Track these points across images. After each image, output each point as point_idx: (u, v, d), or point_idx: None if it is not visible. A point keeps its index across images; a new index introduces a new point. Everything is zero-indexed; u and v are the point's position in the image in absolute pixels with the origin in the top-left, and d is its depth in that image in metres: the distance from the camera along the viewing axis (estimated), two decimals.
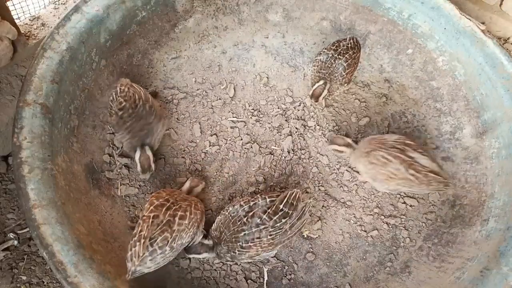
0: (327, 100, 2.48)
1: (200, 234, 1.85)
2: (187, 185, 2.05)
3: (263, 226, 1.76)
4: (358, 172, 2.25)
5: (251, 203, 1.82)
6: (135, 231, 1.66)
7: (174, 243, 1.65)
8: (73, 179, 1.85)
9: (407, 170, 1.91)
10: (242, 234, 1.76)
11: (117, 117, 1.97)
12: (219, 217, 1.88)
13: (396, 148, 1.96)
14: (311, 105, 2.45)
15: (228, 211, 1.84)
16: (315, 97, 2.30)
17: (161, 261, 1.66)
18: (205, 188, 2.17)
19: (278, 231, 1.78)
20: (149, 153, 2.01)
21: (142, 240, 1.59)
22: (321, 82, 2.27)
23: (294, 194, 1.83)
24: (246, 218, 1.78)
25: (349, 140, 2.17)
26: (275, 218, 1.77)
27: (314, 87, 2.29)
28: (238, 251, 1.79)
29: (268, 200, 1.82)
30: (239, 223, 1.78)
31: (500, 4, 2.81)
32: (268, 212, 1.78)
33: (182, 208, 1.71)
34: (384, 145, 2.00)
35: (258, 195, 1.86)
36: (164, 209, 1.67)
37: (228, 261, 1.94)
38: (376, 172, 2.01)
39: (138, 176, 2.15)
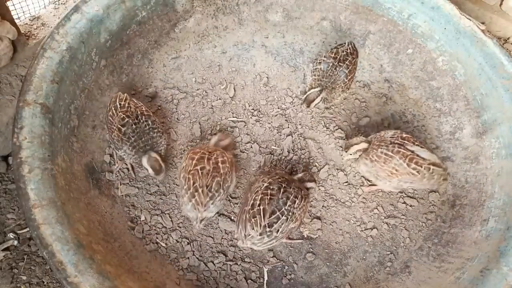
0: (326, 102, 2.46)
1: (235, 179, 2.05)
2: (214, 139, 2.14)
3: None
4: (369, 180, 2.25)
5: None
6: (185, 186, 1.83)
7: (225, 185, 1.88)
8: (73, 179, 1.85)
9: (408, 165, 1.93)
10: None
11: (120, 133, 1.95)
12: None
13: (395, 143, 1.98)
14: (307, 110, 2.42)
15: None
16: (307, 102, 2.30)
17: (219, 204, 1.90)
18: (233, 141, 2.30)
19: None
20: (155, 155, 1.99)
21: (200, 189, 1.81)
22: (317, 88, 2.27)
23: None
24: None
25: (363, 137, 2.12)
26: None
27: (308, 92, 2.28)
28: None
29: None
30: None
31: (500, 4, 2.82)
32: None
33: (219, 155, 1.92)
34: (383, 142, 2.01)
35: None
36: (205, 160, 1.87)
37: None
38: (378, 169, 2.02)
39: (138, 175, 2.16)
